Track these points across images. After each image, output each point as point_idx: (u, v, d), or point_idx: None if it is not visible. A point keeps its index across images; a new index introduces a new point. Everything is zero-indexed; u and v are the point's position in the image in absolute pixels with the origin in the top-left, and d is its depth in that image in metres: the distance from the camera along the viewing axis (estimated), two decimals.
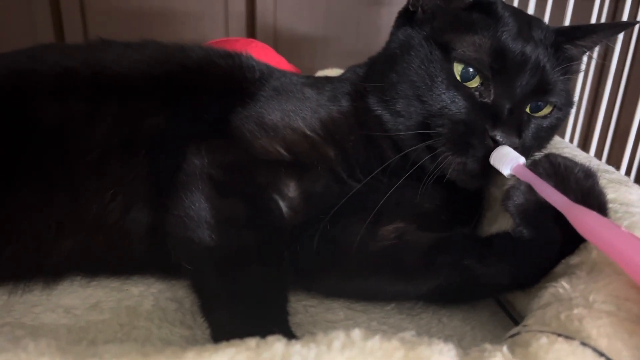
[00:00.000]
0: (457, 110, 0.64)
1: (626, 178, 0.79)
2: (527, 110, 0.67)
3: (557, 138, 0.96)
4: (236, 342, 0.39)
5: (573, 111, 1.47)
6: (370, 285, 0.65)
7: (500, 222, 0.73)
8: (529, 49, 0.65)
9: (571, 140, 1.44)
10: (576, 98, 1.45)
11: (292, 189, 0.66)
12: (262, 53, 1.22)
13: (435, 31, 0.68)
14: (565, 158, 0.59)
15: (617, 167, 1.00)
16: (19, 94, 0.68)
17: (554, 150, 0.87)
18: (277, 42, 1.83)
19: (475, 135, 0.62)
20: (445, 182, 0.67)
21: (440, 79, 0.65)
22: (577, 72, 0.78)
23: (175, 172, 0.65)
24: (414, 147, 0.67)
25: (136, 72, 0.73)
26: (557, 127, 0.72)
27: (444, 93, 0.64)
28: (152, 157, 0.68)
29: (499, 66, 0.64)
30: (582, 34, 0.71)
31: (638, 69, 1.39)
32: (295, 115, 0.70)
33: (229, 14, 1.82)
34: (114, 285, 0.68)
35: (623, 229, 0.48)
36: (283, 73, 0.81)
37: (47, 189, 0.65)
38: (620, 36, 1.28)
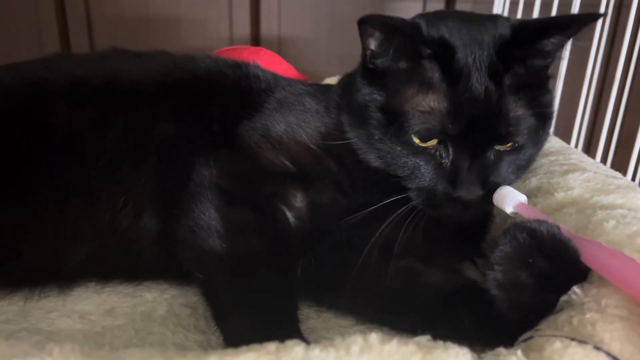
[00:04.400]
0: (421, 177, 0.63)
1: (634, 184, 0.80)
2: (498, 147, 0.63)
3: (564, 144, 0.97)
4: (256, 346, 0.40)
5: (578, 116, 1.48)
6: (385, 320, 0.65)
7: None
8: (485, 97, 0.60)
9: (576, 146, 1.45)
10: (581, 103, 1.46)
11: (299, 200, 0.67)
12: (270, 61, 1.23)
13: (389, 96, 0.64)
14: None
15: (623, 173, 1.00)
16: (34, 102, 0.70)
17: (560, 158, 0.88)
18: (282, 47, 1.84)
19: (442, 199, 0.63)
20: None
21: (400, 149, 0.63)
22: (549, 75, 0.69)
23: (184, 182, 0.66)
24: (394, 196, 0.65)
25: (147, 81, 0.75)
26: (535, 154, 0.68)
27: (407, 162, 0.64)
28: (162, 166, 0.69)
29: (454, 129, 0.60)
30: (537, 39, 0.62)
31: None
32: (298, 128, 0.71)
33: (234, 20, 1.84)
34: (127, 291, 0.69)
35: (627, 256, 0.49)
36: (288, 82, 0.82)
37: (62, 194, 0.66)
38: (626, 39, 1.29)
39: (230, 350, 0.39)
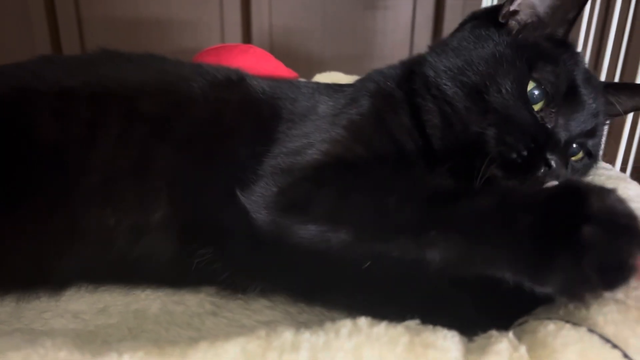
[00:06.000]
0: (521, 120, 0.64)
1: (624, 175, 0.81)
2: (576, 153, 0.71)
3: None
4: (246, 334, 0.40)
5: None
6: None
7: None
8: (593, 95, 0.69)
9: None
10: None
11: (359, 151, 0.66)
12: (261, 59, 1.24)
13: (521, 45, 0.69)
14: None
15: (612, 165, 1.02)
16: (18, 112, 0.67)
17: None
18: (274, 47, 1.85)
19: (532, 150, 0.62)
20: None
21: (511, 83, 0.65)
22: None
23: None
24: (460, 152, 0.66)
25: (140, 96, 0.71)
26: (583, 175, 0.75)
27: (511, 99, 0.64)
28: (171, 190, 0.66)
29: (570, 100, 0.66)
30: (631, 91, 0.76)
31: (633, 64, 1.40)
32: (318, 134, 0.68)
33: (225, 21, 1.84)
34: (120, 290, 0.68)
35: None
36: (290, 87, 0.79)
37: (45, 209, 0.64)
38: (611, 35, 1.30)
39: (221, 338, 0.39)
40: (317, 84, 0.83)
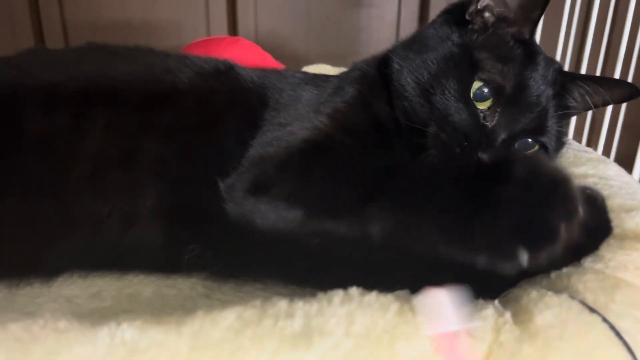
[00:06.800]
0: (459, 120, 0.66)
1: (604, 157, 0.83)
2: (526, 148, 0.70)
3: None
4: (242, 304, 0.41)
5: None
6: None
7: None
8: (543, 93, 0.69)
9: None
10: None
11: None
12: (249, 51, 1.25)
13: (475, 46, 0.71)
14: None
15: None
16: (7, 106, 0.67)
17: None
18: (259, 45, 1.86)
19: (465, 149, 0.65)
20: None
21: (454, 84, 0.67)
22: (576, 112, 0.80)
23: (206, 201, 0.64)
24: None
25: (127, 89, 0.72)
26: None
27: (452, 100, 0.67)
28: (160, 178, 0.67)
29: (516, 99, 0.67)
30: (586, 80, 0.74)
31: (615, 45, 1.43)
32: (300, 123, 0.70)
33: (211, 20, 1.85)
34: (113, 275, 0.69)
35: None
36: (278, 77, 0.81)
37: (37, 199, 0.65)
38: (591, 28, 1.33)
39: (217, 308, 0.41)
40: (305, 73, 0.85)
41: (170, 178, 0.68)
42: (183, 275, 0.69)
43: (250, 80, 0.78)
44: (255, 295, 0.65)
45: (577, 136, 1.49)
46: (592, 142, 1.29)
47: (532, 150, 0.70)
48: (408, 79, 0.71)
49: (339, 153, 0.66)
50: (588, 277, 0.49)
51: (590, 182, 0.68)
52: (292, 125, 0.70)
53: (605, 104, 0.75)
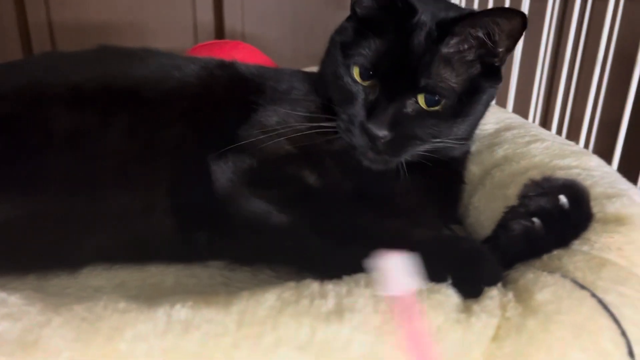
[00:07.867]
0: (350, 105, 0.73)
1: (587, 150, 0.89)
2: (423, 105, 0.71)
3: (523, 120, 1.06)
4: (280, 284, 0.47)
5: (534, 94, 1.58)
6: None
7: (479, 195, 0.83)
8: (429, 52, 0.69)
9: (533, 121, 1.57)
10: (536, 83, 1.57)
11: (312, 177, 0.72)
12: (249, 55, 1.29)
13: (348, 35, 0.77)
14: None
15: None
16: (36, 104, 0.72)
17: (522, 131, 0.97)
18: None
19: (356, 125, 0.72)
20: (423, 170, 0.76)
21: (344, 79, 0.74)
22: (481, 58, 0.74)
23: (200, 181, 0.71)
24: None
25: (145, 87, 0.78)
26: (460, 125, 0.75)
27: (345, 90, 0.74)
28: (174, 168, 0.73)
29: (383, 70, 0.71)
30: (462, 20, 0.70)
31: (592, 48, 1.50)
32: (289, 118, 0.77)
33: (198, 23, 1.86)
34: (134, 267, 0.73)
35: None
36: (275, 76, 0.87)
37: (66, 193, 0.69)
38: (572, 26, 1.39)
39: (258, 289, 0.46)
40: (298, 70, 0.93)
41: (179, 166, 0.73)
42: (201, 265, 0.73)
43: (249, 72, 0.86)
44: (271, 282, 0.69)
45: (558, 133, 1.57)
46: (572, 139, 1.36)
47: (438, 107, 0.71)
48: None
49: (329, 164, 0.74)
50: (577, 258, 0.55)
51: (574, 172, 0.74)
52: (282, 116, 0.77)
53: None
